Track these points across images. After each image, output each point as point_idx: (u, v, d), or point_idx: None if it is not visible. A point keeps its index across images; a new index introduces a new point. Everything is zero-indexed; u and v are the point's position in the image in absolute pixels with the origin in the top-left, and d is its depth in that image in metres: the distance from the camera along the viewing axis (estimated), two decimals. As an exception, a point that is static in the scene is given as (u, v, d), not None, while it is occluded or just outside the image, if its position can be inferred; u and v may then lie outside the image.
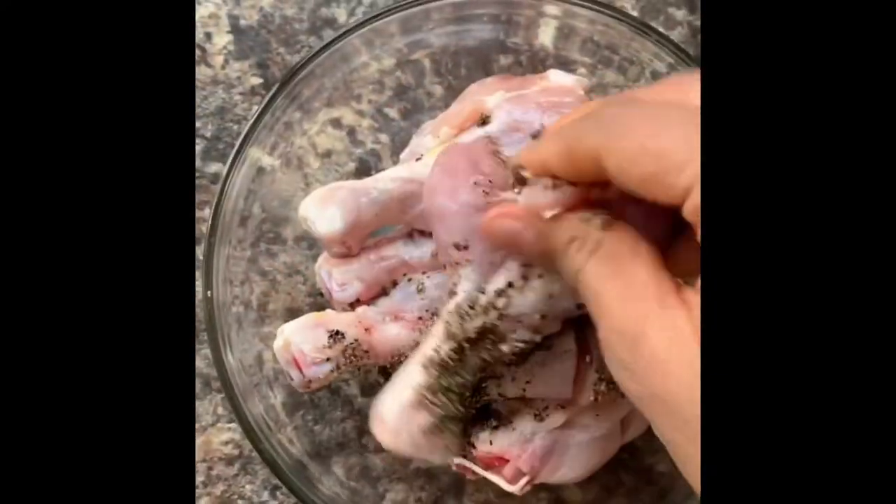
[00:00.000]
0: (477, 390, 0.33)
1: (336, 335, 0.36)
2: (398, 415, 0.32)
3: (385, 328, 0.37)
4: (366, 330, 0.36)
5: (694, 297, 0.23)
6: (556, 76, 0.39)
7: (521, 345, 0.31)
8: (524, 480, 0.37)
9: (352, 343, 0.36)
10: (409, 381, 0.32)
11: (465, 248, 0.31)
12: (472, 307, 0.31)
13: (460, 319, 0.31)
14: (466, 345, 0.31)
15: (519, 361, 0.33)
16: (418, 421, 0.32)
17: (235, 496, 0.44)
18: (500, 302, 0.30)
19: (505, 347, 0.31)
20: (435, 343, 0.32)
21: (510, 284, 0.30)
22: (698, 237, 0.23)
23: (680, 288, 0.24)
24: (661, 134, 0.23)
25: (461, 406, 0.32)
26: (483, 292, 0.31)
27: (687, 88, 0.26)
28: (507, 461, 0.36)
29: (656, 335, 0.23)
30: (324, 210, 0.37)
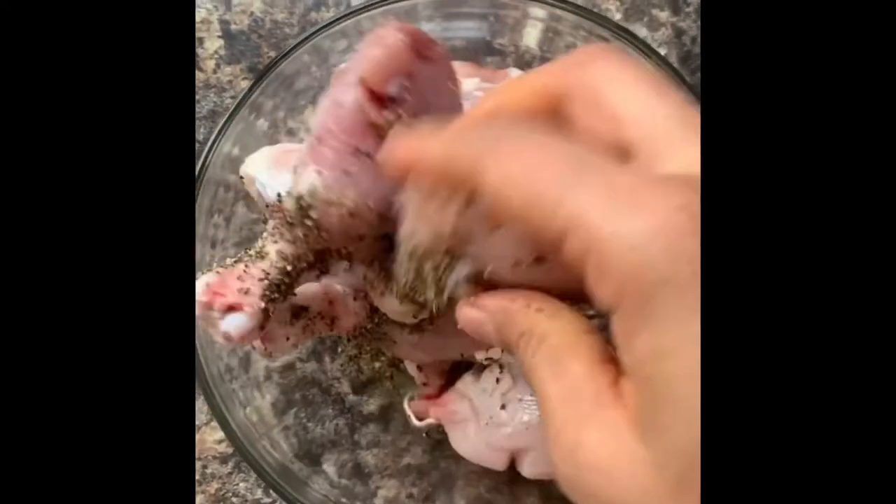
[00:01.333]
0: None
1: (300, 310, 0.35)
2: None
3: (348, 301, 0.37)
4: (330, 303, 0.36)
5: (628, 386, 0.22)
6: (515, 74, 0.40)
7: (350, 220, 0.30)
8: (426, 422, 0.38)
9: (314, 316, 0.36)
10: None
11: None
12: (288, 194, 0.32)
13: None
14: (290, 222, 0.31)
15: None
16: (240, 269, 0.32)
17: (230, 494, 0.45)
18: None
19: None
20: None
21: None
22: (589, 284, 0.21)
23: (617, 380, 0.22)
24: (545, 167, 0.21)
25: (285, 272, 0.32)
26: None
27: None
28: (441, 404, 0.38)
29: (593, 439, 0.21)
30: (278, 175, 0.34)
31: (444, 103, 0.30)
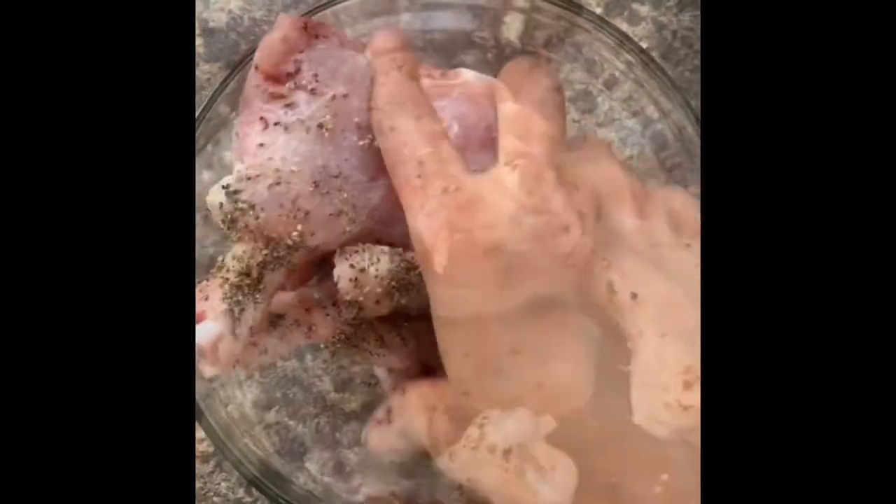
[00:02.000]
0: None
1: (276, 318, 0.35)
2: None
3: (327, 307, 0.36)
4: (307, 310, 0.36)
5: None
6: (466, 75, 0.38)
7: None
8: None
9: (291, 324, 0.35)
10: None
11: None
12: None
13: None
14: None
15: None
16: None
17: (211, 493, 0.44)
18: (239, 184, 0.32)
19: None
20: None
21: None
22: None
23: None
24: None
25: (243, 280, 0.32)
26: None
27: None
28: None
29: None
30: None
31: (347, 68, 0.33)
